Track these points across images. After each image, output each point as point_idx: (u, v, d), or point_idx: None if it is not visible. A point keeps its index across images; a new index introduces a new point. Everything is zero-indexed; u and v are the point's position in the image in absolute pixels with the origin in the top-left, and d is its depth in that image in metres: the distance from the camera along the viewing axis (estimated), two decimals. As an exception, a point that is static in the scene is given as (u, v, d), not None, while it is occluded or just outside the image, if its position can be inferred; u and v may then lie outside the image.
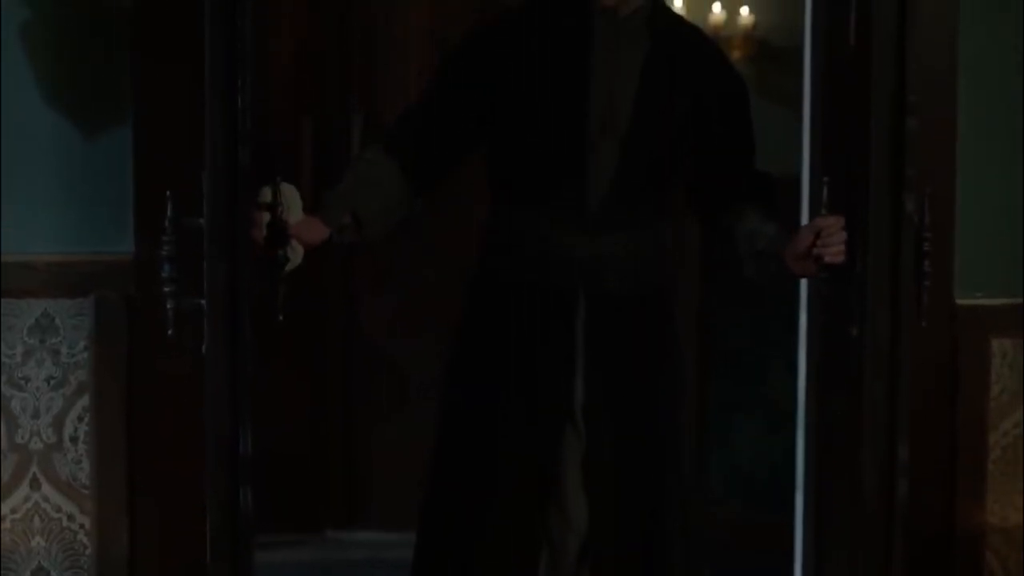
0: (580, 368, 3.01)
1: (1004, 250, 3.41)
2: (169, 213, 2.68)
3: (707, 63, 3.11)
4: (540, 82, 2.98)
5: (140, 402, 3.20)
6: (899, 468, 2.85)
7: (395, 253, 4.90)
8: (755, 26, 5.07)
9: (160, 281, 2.69)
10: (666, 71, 3.02)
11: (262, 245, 2.81)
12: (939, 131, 3.31)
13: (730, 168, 3.10)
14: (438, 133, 3.07)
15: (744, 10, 5.07)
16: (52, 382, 3.22)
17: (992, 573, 3.46)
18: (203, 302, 2.65)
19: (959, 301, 3.40)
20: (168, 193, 2.68)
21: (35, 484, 3.24)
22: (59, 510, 3.24)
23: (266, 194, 2.83)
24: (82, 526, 3.25)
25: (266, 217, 2.82)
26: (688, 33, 3.15)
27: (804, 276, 3.08)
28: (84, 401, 3.22)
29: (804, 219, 3.51)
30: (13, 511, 3.24)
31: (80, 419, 3.22)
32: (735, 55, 4.95)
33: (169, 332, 2.69)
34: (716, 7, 5.06)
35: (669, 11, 3.18)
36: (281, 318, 2.83)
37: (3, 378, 3.21)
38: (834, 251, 2.85)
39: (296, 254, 2.89)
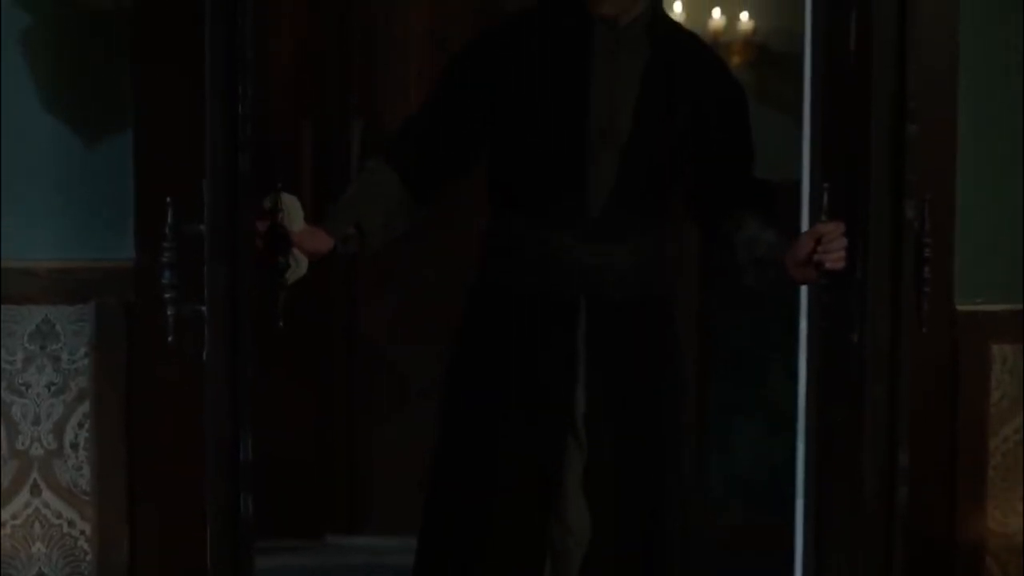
0: (581, 375, 3.01)
1: (1004, 256, 3.41)
2: (169, 219, 2.67)
3: (707, 71, 3.11)
4: (540, 90, 2.99)
5: (140, 408, 3.20)
6: (899, 474, 2.85)
7: (396, 257, 4.89)
8: (755, 32, 5.06)
9: (160, 287, 2.68)
10: (666, 79, 3.02)
11: (262, 252, 2.81)
12: (939, 137, 3.31)
13: (730, 175, 3.10)
14: (438, 143, 3.07)
15: (744, 16, 5.07)
16: (52, 388, 3.22)
17: (992, 578, 3.47)
18: (203, 308, 2.64)
19: (959, 307, 3.40)
20: (168, 199, 2.67)
21: (35, 490, 3.24)
22: (59, 516, 3.24)
23: (266, 202, 2.84)
24: (82, 532, 3.24)
25: (267, 224, 2.82)
26: (687, 41, 3.15)
27: (804, 283, 3.08)
28: (84, 407, 3.22)
29: (804, 225, 3.51)
30: (14, 517, 3.24)
31: (80, 425, 3.22)
32: (735, 61, 4.95)
33: (169, 338, 2.68)
34: (716, 13, 5.06)
35: (669, 19, 3.18)
36: (281, 324, 2.83)
37: (4, 384, 3.21)
38: (834, 257, 2.85)
39: (300, 264, 2.88)
